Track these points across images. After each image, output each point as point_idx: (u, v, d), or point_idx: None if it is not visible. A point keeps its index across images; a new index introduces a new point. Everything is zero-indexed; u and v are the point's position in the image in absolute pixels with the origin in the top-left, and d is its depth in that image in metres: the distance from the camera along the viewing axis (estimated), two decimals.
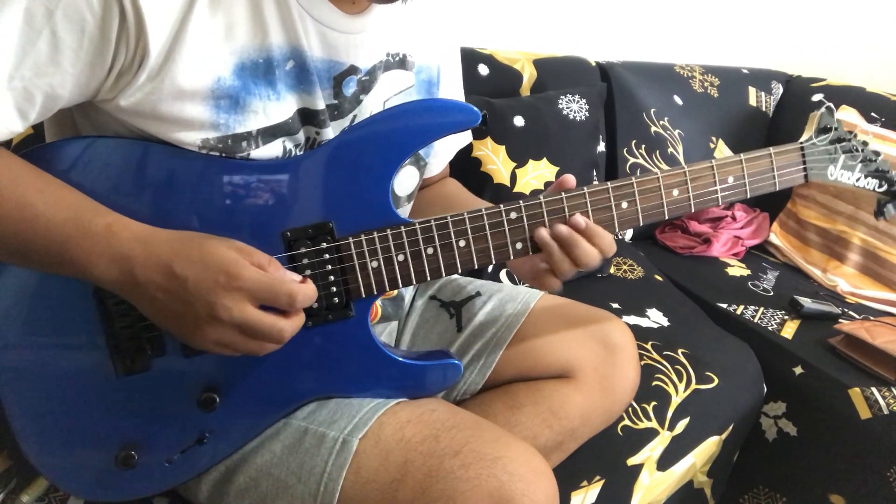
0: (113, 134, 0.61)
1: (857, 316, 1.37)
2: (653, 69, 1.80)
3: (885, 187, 0.80)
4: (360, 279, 0.62)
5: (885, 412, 1.08)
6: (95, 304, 0.59)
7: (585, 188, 0.67)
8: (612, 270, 1.48)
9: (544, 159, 1.36)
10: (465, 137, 0.92)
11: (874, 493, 1.08)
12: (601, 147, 1.55)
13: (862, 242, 1.59)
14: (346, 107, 0.68)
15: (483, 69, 1.49)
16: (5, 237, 0.53)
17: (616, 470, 0.93)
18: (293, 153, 0.65)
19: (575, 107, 1.45)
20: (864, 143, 0.78)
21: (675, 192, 0.69)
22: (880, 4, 2.12)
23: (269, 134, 0.62)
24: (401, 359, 0.67)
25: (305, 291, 0.56)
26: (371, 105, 0.71)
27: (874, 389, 1.11)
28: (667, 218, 0.70)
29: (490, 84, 1.48)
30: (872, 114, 1.75)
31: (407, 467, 0.59)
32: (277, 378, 0.64)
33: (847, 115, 1.75)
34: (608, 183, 0.67)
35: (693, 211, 0.70)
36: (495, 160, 1.32)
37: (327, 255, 0.61)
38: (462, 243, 0.64)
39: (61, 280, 0.58)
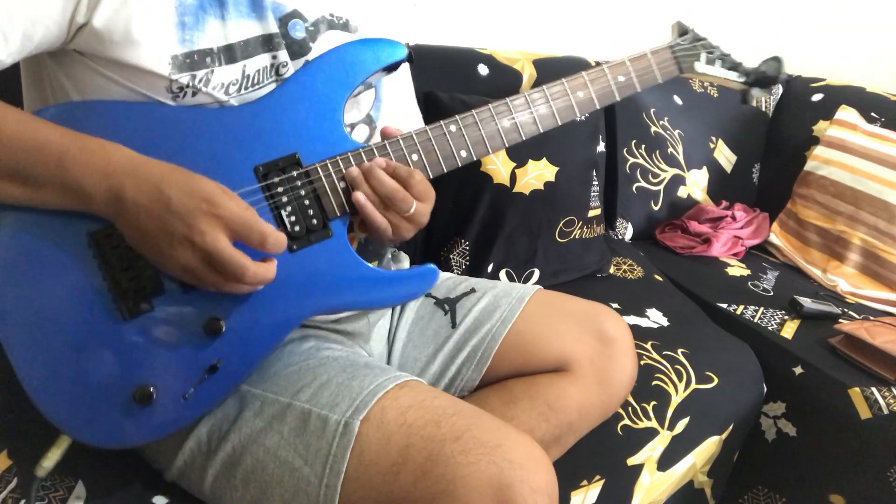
0: (94, 90, 0.64)
1: (857, 316, 1.37)
2: None
3: (743, 77, 0.94)
4: (332, 200, 0.69)
5: (885, 412, 1.08)
6: (92, 253, 0.62)
7: (525, 92, 0.77)
8: (611, 270, 1.48)
9: (544, 159, 1.36)
10: (414, 121, 0.94)
11: (874, 493, 1.08)
12: (601, 147, 1.55)
13: (862, 242, 1.59)
14: (295, 49, 0.71)
15: (483, 69, 1.49)
16: (6, 154, 0.56)
17: (616, 470, 0.93)
18: (253, 78, 0.68)
19: None
20: (716, 46, 0.93)
21: (580, 94, 0.81)
22: (880, 4, 2.12)
23: (230, 54, 0.66)
24: (382, 270, 0.73)
25: (277, 236, 0.60)
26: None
27: (874, 389, 1.11)
28: (578, 118, 0.81)
29: (490, 84, 1.48)
30: (872, 114, 1.75)
31: (408, 451, 0.60)
32: (274, 299, 0.67)
33: (847, 115, 1.74)
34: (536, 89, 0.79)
35: (599, 107, 0.82)
36: (495, 160, 1.32)
37: (299, 182, 0.68)
38: (415, 157, 0.73)
39: (56, 230, 0.61)
